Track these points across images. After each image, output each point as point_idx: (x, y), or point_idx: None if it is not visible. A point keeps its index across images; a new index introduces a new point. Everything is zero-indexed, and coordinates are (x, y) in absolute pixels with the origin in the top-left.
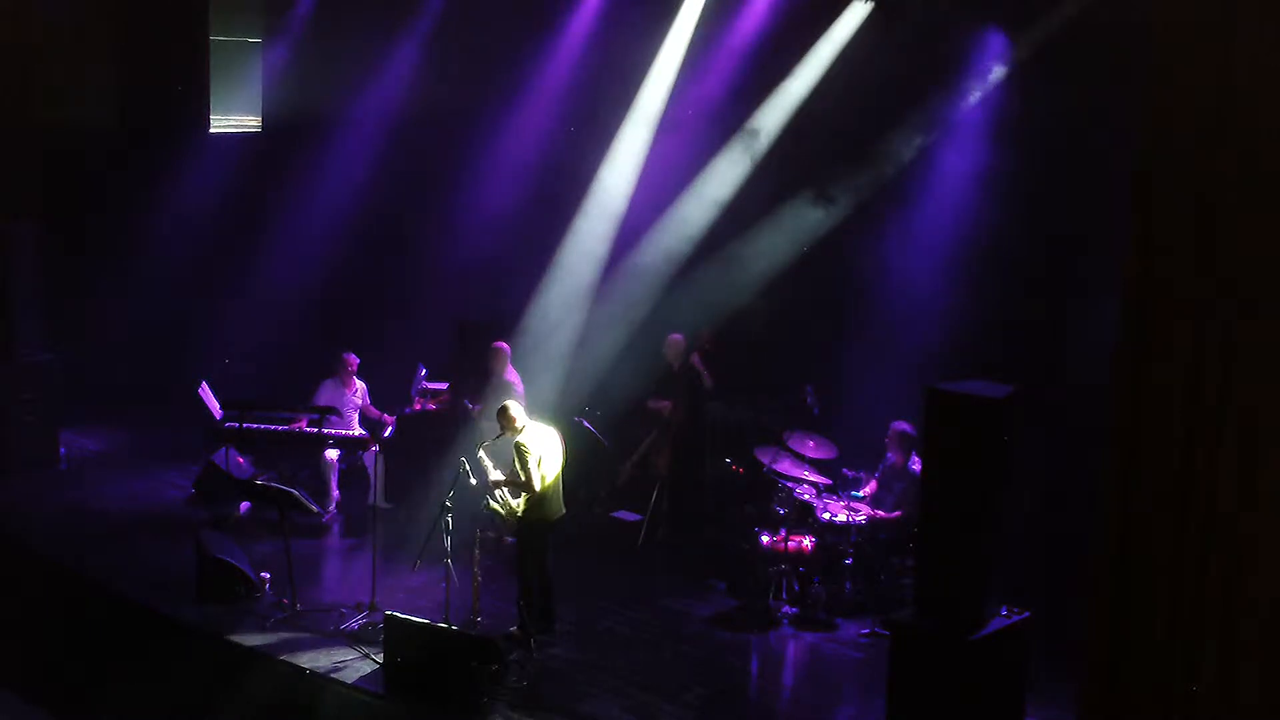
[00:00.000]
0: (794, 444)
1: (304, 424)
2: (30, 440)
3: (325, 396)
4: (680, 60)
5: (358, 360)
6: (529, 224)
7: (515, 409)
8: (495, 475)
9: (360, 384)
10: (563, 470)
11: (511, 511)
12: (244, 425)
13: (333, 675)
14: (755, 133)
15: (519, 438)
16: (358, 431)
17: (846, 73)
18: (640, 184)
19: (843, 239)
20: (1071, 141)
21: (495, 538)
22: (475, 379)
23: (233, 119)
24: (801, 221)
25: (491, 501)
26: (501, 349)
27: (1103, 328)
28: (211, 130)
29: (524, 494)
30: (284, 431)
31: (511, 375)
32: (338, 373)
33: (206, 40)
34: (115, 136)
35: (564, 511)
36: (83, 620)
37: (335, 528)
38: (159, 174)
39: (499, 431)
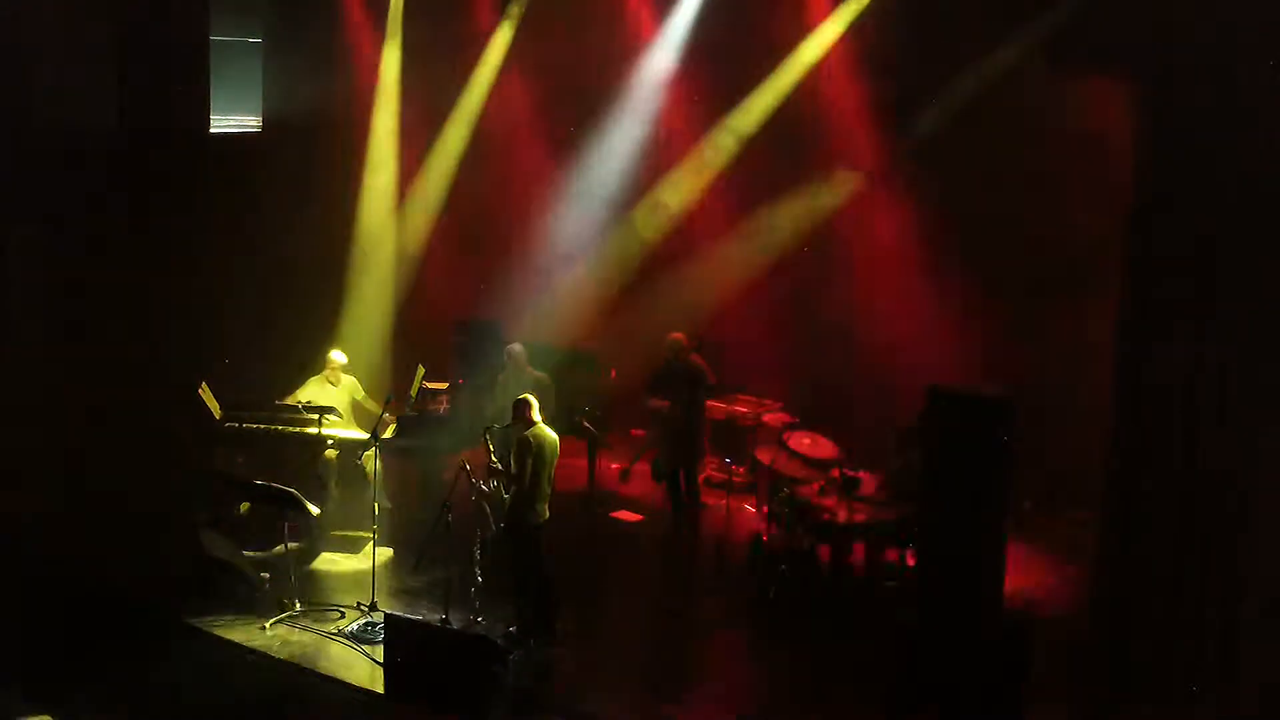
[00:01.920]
0: (794, 443)
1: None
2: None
3: (310, 396)
4: (675, 50)
5: (343, 358)
6: (528, 221)
7: (535, 404)
8: (494, 463)
9: (349, 379)
10: (560, 471)
11: (501, 502)
12: (244, 425)
13: (333, 675)
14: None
15: (526, 432)
16: (357, 431)
17: (850, 56)
18: (638, 180)
19: (842, 236)
20: (1074, 135)
21: (492, 530)
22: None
23: (233, 119)
24: (800, 217)
25: (482, 485)
26: (517, 349)
27: (1104, 327)
28: (211, 130)
29: (512, 489)
30: (284, 431)
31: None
32: (323, 371)
33: (206, 40)
34: (115, 136)
35: (547, 517)
36: (82, 620)
37: (335, 527)
38: (159, 174)
39: (509, 421)
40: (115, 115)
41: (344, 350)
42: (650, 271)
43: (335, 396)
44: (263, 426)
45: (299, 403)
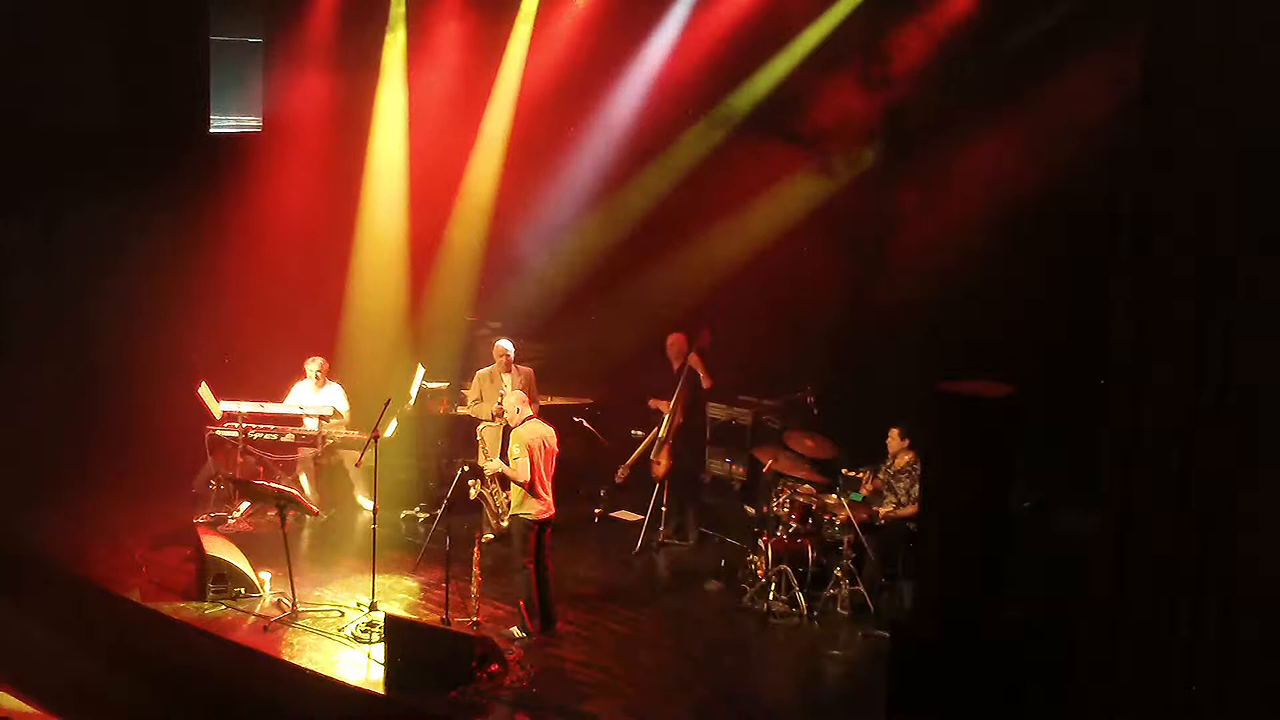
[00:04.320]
0: (793, 443)
1: (304, 424)
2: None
3: (296, 400)
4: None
5: (320, 362)
6: (527, 219)
7: (522, 398)
8: (491, 462)
9: (333, 387)
10: (558, 470)
11: (501, 501)
12: (244, 425)
13: (333, 675)
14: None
15: (519, 428)
16: (355, 433)
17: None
18: (634, 174)
19: (843, 234)
20: (1071, 131)
21: (493, 533)
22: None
23: (232, 119)
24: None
25: (481, 486)
26: (505, 345)
27: (1104, 325)
28: (211, 130)
29: (513, 486)
30: (284, 431)
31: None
32: (307, 377)
33: (206, 40)
34: (115, 136)
35: (553, 513)
36: (82, 621)
37: (334, 528)
38: (159, 174)
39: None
40: (115, 115)
41: (346, 350)
42: (638, 267)
43: (320, 403)
44: (262, 427)
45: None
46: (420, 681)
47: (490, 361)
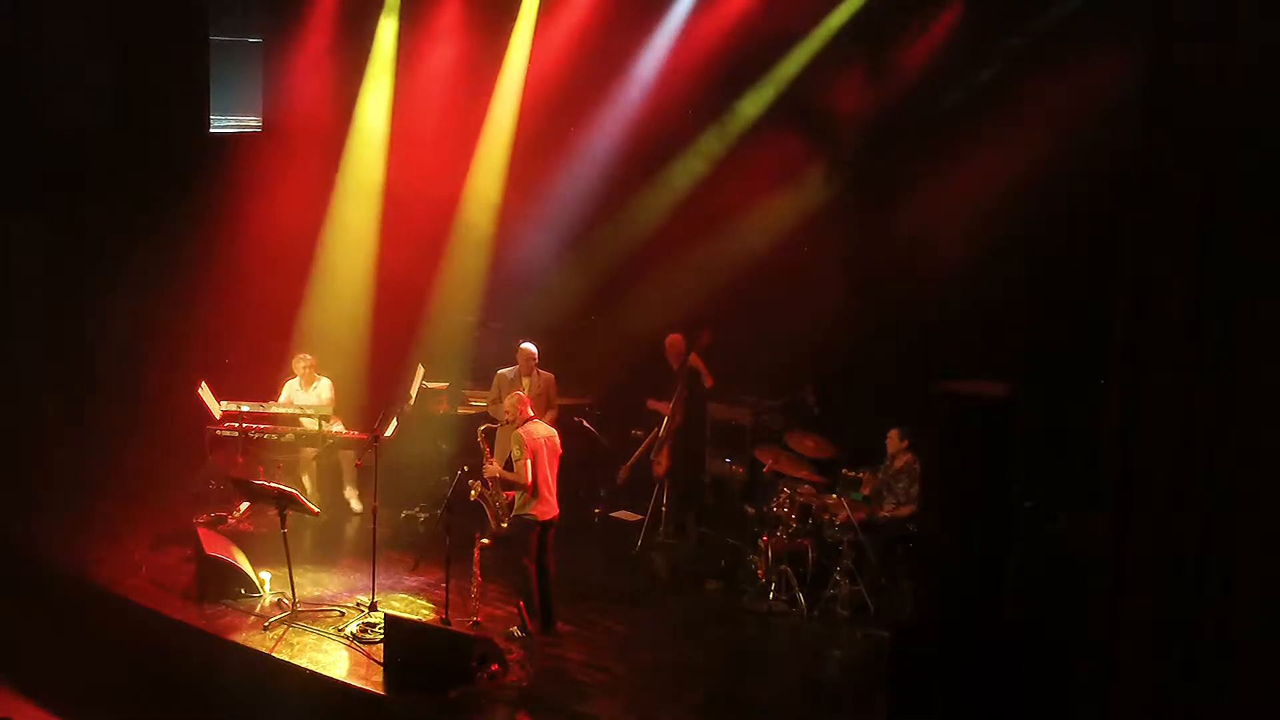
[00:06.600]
0: (793, 444)
1: (303, 424)
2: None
3: (287, 399)
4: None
5: (307, 359)
6: (529, 220)
7: (529, 400)
8: (488, 465)
9: (323, 381)
10: (561, 471)
11: (501, 502)
12: (244, 425)
13: (333, 675)
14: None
15: (520, 429)
16: (354, 431)
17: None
18: (636, 173)
19: (843, 234)
20: (1072, 132)
21: (491, 534)
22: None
23: (232, 119)
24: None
25: (481, 486)
26: (529, 348)
27: (1103, 325)
28: (211, 130)
29: (516, 488)
30: (284, 431)
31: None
32: (296, 374)
33: (206, 40)
34: (115, 136)
35: (556, 514)
36: (82, 620)
37: (334, 528)
38: (159, 174)
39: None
40: (115, 115)
41: (340, 348)
42: (637, 270)
43: (310, 399)
44: (262, 426)
45: (297, 407)
46: (420, 681)
47: (490, 360)
